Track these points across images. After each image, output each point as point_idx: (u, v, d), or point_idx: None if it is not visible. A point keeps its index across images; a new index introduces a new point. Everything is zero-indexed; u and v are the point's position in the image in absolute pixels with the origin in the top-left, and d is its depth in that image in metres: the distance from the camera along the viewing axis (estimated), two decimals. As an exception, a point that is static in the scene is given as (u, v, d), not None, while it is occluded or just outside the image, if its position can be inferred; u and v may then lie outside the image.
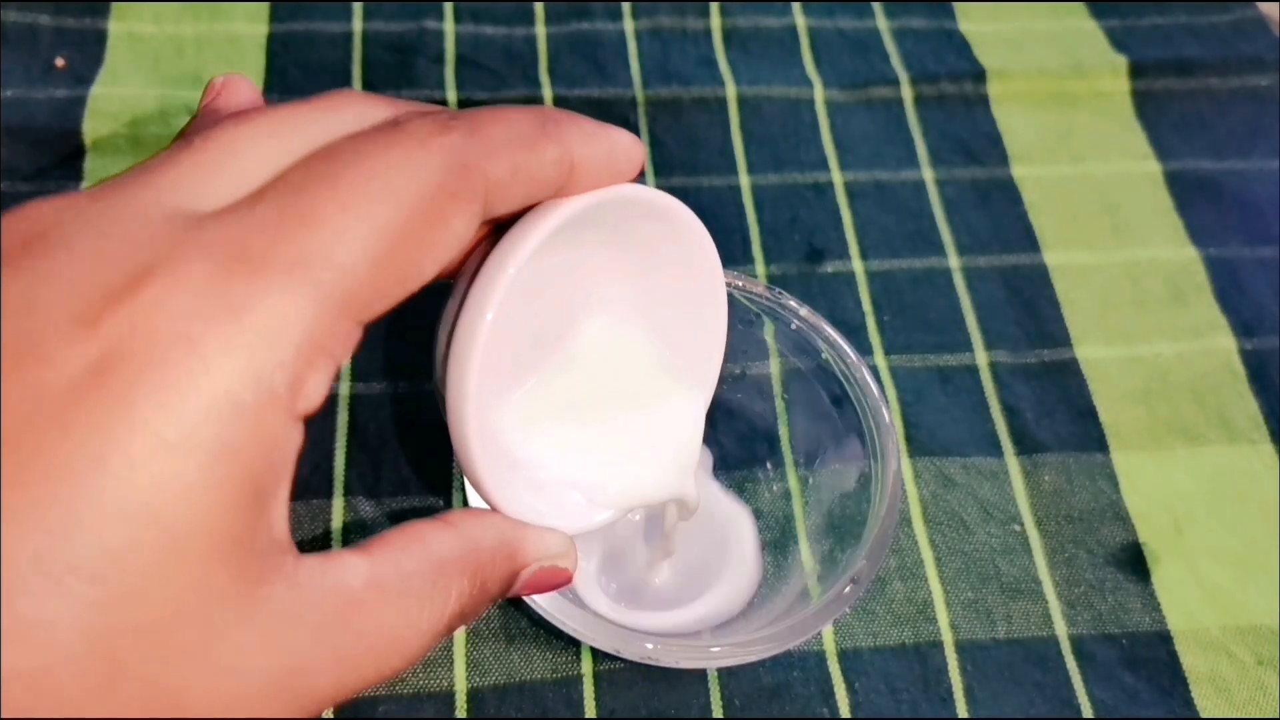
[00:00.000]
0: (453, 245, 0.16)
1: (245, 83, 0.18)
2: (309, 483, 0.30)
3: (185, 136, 0.16)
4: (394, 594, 0.16)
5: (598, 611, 0.27)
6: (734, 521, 0.30)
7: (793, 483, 0.30)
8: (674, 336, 0.23)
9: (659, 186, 0.37)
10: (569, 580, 0.20)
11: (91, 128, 0.37)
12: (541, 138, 0.17)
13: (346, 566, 0.16)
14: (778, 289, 0.29)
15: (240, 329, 0.13)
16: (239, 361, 0.13)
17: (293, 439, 0.15)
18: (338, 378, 0.32)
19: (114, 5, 0.40)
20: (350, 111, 0.16)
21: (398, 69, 0.39)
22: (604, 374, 0.22)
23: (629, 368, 0.22)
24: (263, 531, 0.14)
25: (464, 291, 0.17)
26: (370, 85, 0.39)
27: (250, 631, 0.14)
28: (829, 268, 0.36)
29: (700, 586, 0.29)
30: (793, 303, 0.29)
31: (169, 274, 0.13)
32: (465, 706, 0.27)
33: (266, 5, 0.40)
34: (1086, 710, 0.28)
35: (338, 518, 0.30)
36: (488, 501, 0.19)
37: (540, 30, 0.41)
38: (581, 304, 0.22)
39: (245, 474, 0.14)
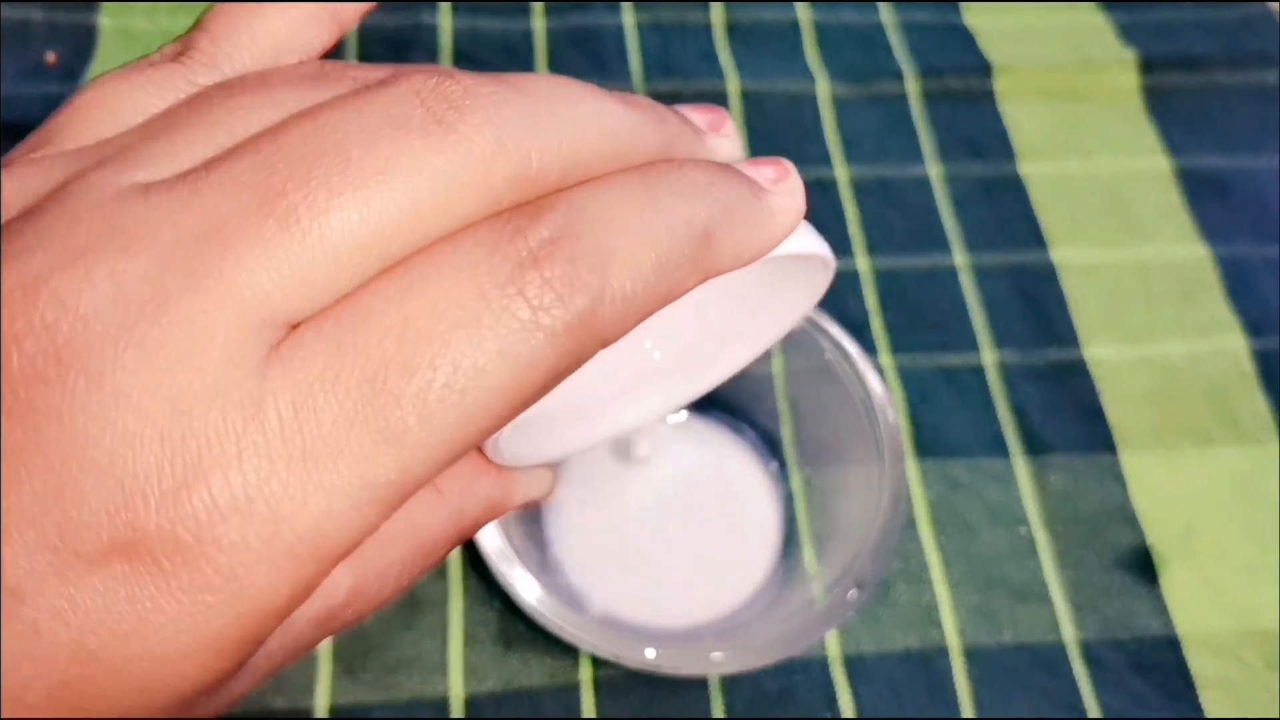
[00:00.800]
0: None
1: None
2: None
3: (262, 165, 0.13)
4: (373, 592, 0.16)
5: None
6: (755, 503, 0.30)
7: (796, 485, 0.30)
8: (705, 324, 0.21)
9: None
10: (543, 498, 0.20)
11: (83, 123, 0.36)
12: (689, 272, 0.14)
13: (335, 582, 0.15)
14: (781, 287, 0.29)
15: (287, 550, 0.12)
16: (281, 579, 0.12)
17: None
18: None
19: (104, 3, 0.39)
20: (458, 174, 0.13)
21: (394, 64, 0.39)
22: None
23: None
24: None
25: None
26: (366, 80, 0.38)
27: (238, 688, 0.14)
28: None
29: (708, 563, 0.29)
30: (796, 301, 0.29)
31: (221, 480, 0.12)
32: (462, 713, 0.27)
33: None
34: (1094, 715, 0.28)
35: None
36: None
37: (539, 24, 0.40)
38: None
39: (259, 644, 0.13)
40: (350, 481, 0.12)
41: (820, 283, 0.19)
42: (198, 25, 0.15)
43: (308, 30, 0.16)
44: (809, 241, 0.17)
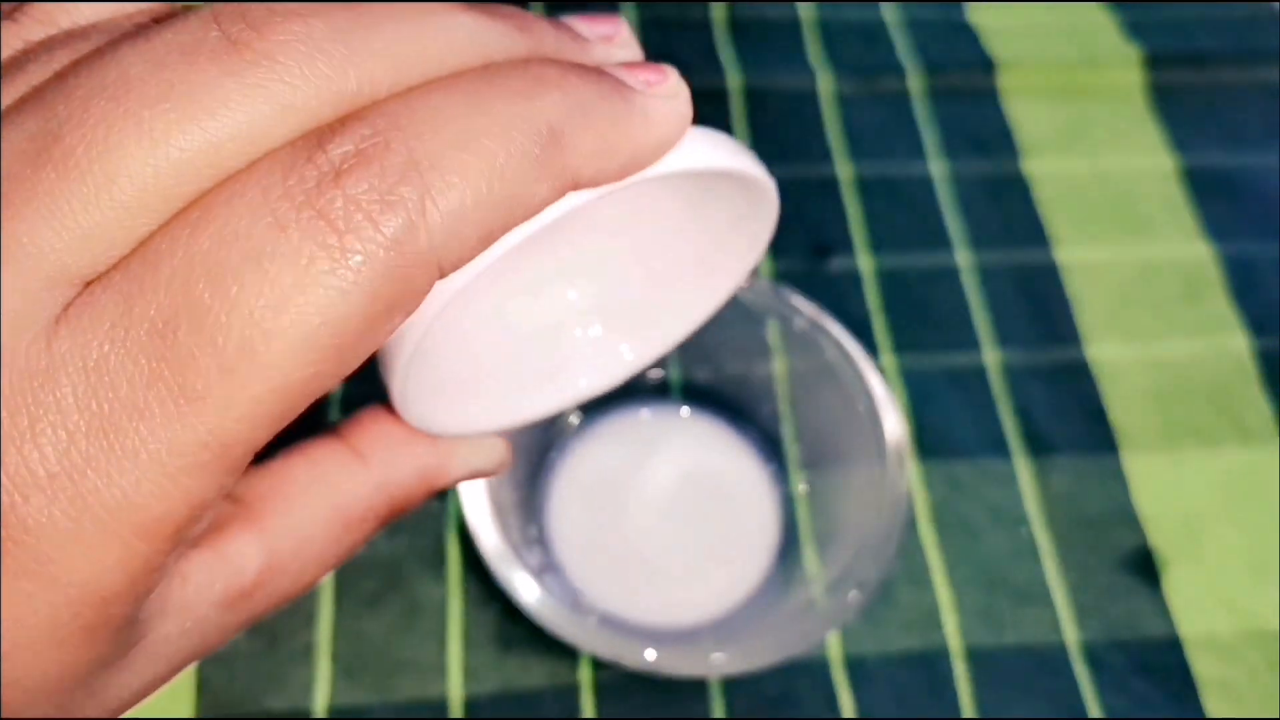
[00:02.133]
0: (382, 342, 0.13)
1: None
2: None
3: (46, 114, 0.11)
4: (291, 570, 0.14)
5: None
6: (755, 504, 0.30)
7: (797, 486, 0.30)
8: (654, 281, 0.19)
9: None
10: (496, 474, 0.18)
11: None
12: (534, 177, 0.12)
13: (240, 557, 0.14)
14: (782, 286, 0.29)
15: (102, 528, 0.11)
16: (104, 561, 0.11)
17: (174, 557, 0.13)
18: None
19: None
20: (260, 104, 0.11)
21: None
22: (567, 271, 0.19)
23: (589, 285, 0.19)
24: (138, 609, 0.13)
25: None
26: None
27: (135, 673, 0.13)
28: (835, 264, 0.35)
29: (707, 564, 0.29)
30: (797, 301, 0.28)
31: (17, 461, 0.11)
32: (461, 714, 0.27)
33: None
34: (1096, 717, 0.28)
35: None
36: (405, 417, 0.16)
37: (540, 20, 0.40)
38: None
39: (119, 627, 0.12)
40: (155, 448, 0.11)
41: (764, 214, 0.17)
42: None
43: None
44: (719, 155, 0.14)
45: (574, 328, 0.19)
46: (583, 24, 0.14)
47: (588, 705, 0.27)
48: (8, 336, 0.11)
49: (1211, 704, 0.28)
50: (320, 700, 0.27)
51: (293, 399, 0.11)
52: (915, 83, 0.39)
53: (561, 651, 0.28)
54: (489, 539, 0.25)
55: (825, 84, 0.39)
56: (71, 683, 0.12)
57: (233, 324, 0.11)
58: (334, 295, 0.11)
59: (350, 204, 0.11)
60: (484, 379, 0.18)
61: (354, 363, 0.12)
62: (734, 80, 0.39)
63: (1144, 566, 0.30)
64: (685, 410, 0.31)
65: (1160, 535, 0.31)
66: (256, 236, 0.11)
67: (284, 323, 0.11)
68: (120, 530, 0.11)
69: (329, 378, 0.12)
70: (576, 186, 0.13)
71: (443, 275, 0.12)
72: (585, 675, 0.28)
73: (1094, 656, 0.29)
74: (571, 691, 0.27)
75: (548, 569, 0.28)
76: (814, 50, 0.40)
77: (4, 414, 0.11)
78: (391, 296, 0.11)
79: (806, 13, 0.41)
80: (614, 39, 0.14)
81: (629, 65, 0.14)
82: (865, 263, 0.35)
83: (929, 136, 0.38)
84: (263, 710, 0.26)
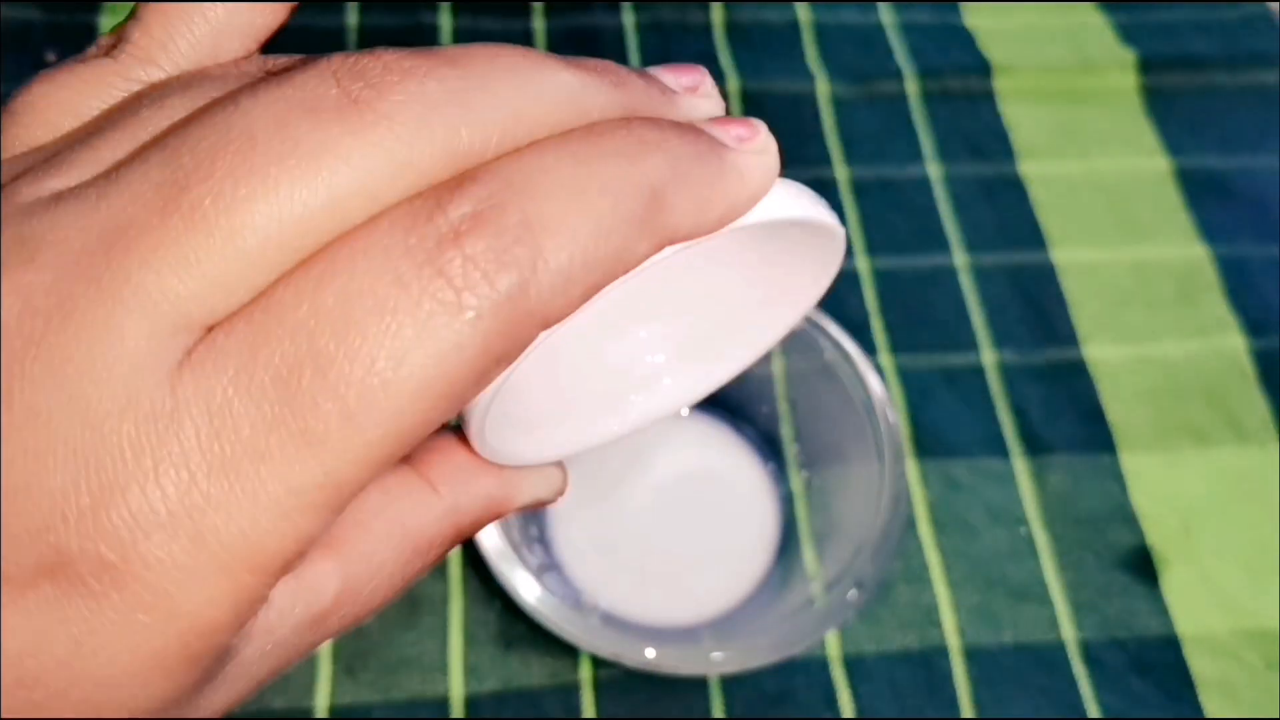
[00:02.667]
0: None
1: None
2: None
3: (170, 162, 0.12)
4: (364, 594, 0.15)
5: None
6: (754, 503, 0.30)
7: (796, 486, 0.30)
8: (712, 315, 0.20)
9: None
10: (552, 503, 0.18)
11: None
12: (637, 237, 0.13)
13: (319, 583, 0.14)
14: (781, 287, 0.29)
15: (217, 563, 0.12)
16: (215, 595, 0.12)
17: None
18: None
19: (105, 3, 0.39)
20: (378, 160, 0.12)
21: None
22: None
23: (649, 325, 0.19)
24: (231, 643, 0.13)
25: None
26: (366, 80, 0.38)
27: (220, 694, 0.13)
28: (832, 266, 0.35)
29: (707, 562, 0.29)
30: (796, 302, 0.29)
31: (139, 497, 0.11)
32: (462, 713, 0.27)
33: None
34: (1094, 715, 0.28)
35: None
36: (475, 447, 0.17)
37: (539, 24, 0.40)
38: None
39: (217, 658, 0.13)
40: (274, 489, 0.11)
41: (830, 257, 0.17)
42: (132, 17, 0.14)
43: (246, 16, 0.15)
44: (801, 206, 0.15)
45: (642, 358, 0.20)
46: (669, 75, 0.15)
47: (588, 703, 0.27)
48: (134, 378, 0.11)
49: (1209, 702, 0.28)
50: (322, 699, 0.27)
51: (404, 443, 0.12)
52: (912, 86, 0.40)
53: (562, 650, 0.28)
54: (490, 538, 0.25)
55: (823, 87, 0.40)
56: (171, 707, 0.12)
57: (355, 373, 0.11)
58: (450, 348, 0.11)
59: (469, 263, 0.11)
60: (556, 412, 0.18)
61: (460, 408, 0.12)
62: (732, 83, 0.39)
63: (1141, 565, 0.30)
64: (685, 410, 0.31)
65: (1157, 534, 0.31)
66: (380, 292, 0.11)
67: (404, 373, 0.11)
68: (235, 566, 0.12)
69: (437, 423, 0.12)
70: (673, 242, 0.13)
71: (546, 328, 0.12)
72: (586, 673, 0.28)
73: (1091, 655, 0.29)
74: (572, 689, 0.27)
75: (548, 568, 0.28)
76: (811, 54, 0.41)
77: (129, 454, 0.11)
78: (501, 349, 0.12)
79: (804, 16, 0.42)
80: (698, 90, 0.15)
81: (721, 121, 0.14)
82: (863, 264, 0.35)
83: (925, 139, 0.39)
84: (265, 709, 0.27)
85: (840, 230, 0.16)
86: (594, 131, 0.13)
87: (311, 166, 0.12)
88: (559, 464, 0.18)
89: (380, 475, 0.12)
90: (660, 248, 0.13)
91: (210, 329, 0.12)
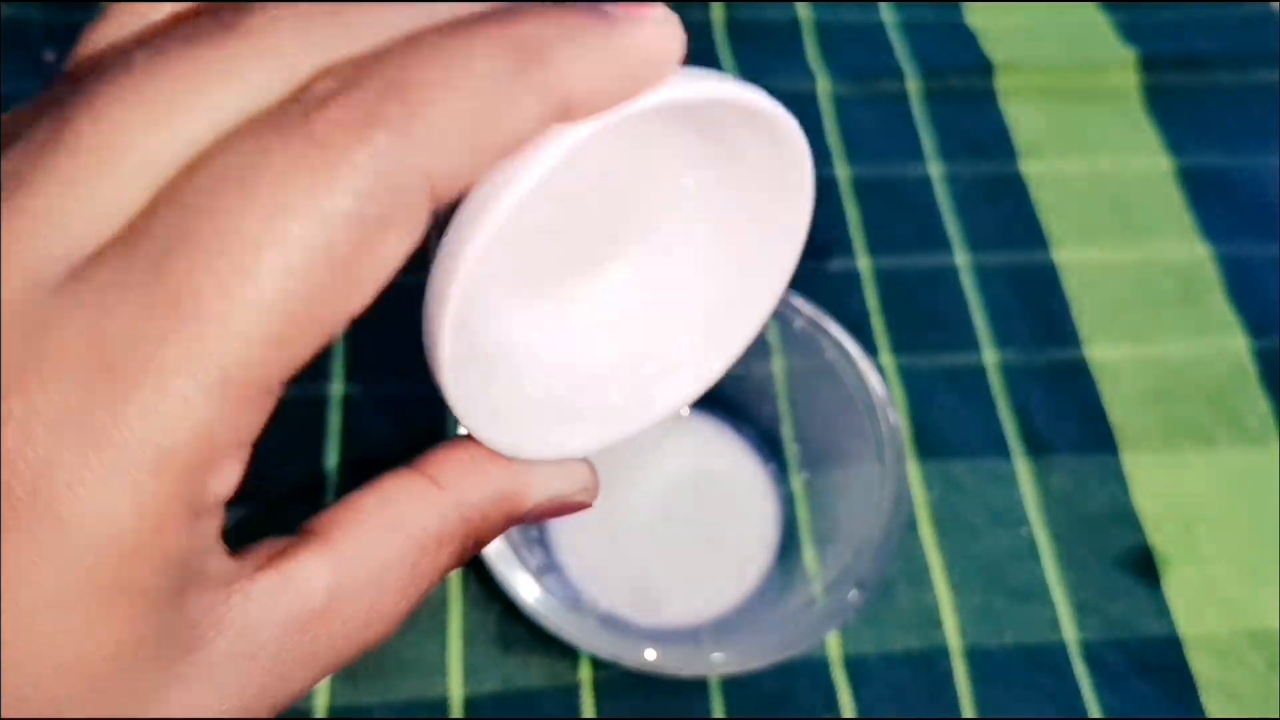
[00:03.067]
0: (389, 268, 0.12)
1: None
2: (298, 488, 0.30)
3: (61, 111, 0.12)
4: (364, 597, 0.14)
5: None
6: (754, 503, 0.30)
7: (796, 486, 0.30)
8: (724, 275, 0.19)
9: (660, 182, 0.37)
10: (586, 507, 0.17)
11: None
12: (516, 90, 0.12)
13: (306, 579, 0.14)
14: (781, 287, 0.29)
15: (109, 464, 0.11)
16: (115, 502, 0.11)
17: (206, 529, 0.12)
18: (326, 375, 0.31)
19: (104, 2, 0.39)
20: (255, 73, 0.12)
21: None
22: (634, 301, 0.18)
23: (660, 303, 0.18)
24: (192, 596, 0.12)
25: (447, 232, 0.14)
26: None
27: (193, 692, 0.13)
28: (834, 265, 0.35)
29: (707, 563, 0.29)
30: (797, 301, 0.29)
31: (22, 404, 0.11)
32: (461, 714, 0.27)
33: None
34: (1095, 716, 0.28)
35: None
36: (479, 439, 0.16)
37: (539, 23, 0.40)
38: (627, 214, 0.18)
39: (147, 600, 0.12)
40: (159, 375, 0.11)
41: (793, 165, 0.16)
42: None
43: None
44: (720, 86, 0.14)
45: (654, 346, 0.19)
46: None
47: (588, 704, 0.27)
48: (19, 294, 0.11)
49: (1210, 703, 0.28)
50: (321, 700, 0.27)
51: (294, 319, 0.11)
52: (913, 85, 0.40)
53: (562, 651, 0.28)
54: (489, 538, 0.25)
55: (824, 86, 0.40)
56: (108, 671, 0.12)
57: (226, 245, 0.11)
58: (324, 209, 0.11)
59: (335, 125, 0.11)
60: (561, 405, 0.18)
61: (357, 286, 0.12)
62: (733, 83, 0.39)
63: (1143, 566, 0.30)
64: (685, 410, 0.31)
65: (1159, 535, 0.31)
66: (247, 167, 0.11)
67: (275, 235, 0.11)
68: (128, 467, 0.11)
69: (331, 298, 0.12)
70: (570, 111, 0.13)
71: (436, 193, 0.12)
72: (585, 674, 0.28)
73: (1093, 656, 0.29)
74: (572, 691, 0.27)
75: (548, 569, 0.28)
76: (813, 52, 0.41)
77: (14, 365, 0.11)
78: (382, 209, 0.12)
79: (805, 15, 0.42)
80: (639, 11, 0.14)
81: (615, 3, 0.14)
82: (864, 263, 0.35)
83: (927, 138, 0.39)
84: (263, 710, 0.27)
85: (784, 116, 0.15)
86: (464, 9, 0.13)
87: (187, 83, 0.12)
88: (583, 460, 0.17)
89: (281, 366, 0.12)
90: (554, 110, 0.12)
91: (102, 249, 0.12)
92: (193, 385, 0.11)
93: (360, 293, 0.12)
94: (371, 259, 0.12)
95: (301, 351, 0.12)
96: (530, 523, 0.17)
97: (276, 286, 0.11)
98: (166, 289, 0.11)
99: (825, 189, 0.37)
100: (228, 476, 0.12)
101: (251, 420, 0.12)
